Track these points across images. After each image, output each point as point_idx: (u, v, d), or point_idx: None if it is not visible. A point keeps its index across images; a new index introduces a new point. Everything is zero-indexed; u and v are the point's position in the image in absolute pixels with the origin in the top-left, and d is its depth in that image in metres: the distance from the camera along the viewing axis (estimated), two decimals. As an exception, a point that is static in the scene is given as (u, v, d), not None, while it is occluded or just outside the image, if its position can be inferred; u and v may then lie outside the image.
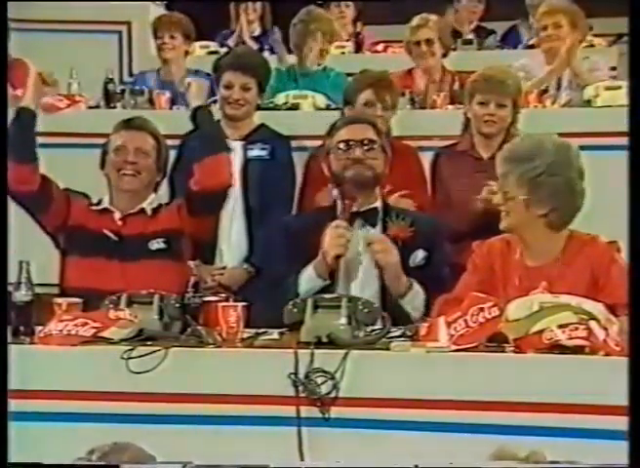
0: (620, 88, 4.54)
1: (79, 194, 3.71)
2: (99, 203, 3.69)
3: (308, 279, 3.25)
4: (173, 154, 4.31)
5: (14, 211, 3.50)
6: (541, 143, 3.06)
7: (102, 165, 3.70)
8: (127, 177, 3.61)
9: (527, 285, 3.00)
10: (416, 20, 5.20)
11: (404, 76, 5.22)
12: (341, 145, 3.42)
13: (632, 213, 2.55)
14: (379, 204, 3.44)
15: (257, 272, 4.09)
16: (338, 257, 3.21)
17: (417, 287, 3.26)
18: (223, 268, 4.17)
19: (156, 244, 3.58)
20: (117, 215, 3.62)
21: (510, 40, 6.41)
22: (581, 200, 3.07)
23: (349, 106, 4.24)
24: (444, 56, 5.23)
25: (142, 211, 3.63)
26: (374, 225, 3.39)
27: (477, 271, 3.15)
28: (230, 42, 6.31)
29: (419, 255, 3.34)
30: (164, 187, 4.21)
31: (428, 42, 5.16)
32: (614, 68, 5.06)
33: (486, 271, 3.12)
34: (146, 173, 3.63)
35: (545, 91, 4.77)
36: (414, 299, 3.23)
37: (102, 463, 1.94)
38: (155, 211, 3.66)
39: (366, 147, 3.41)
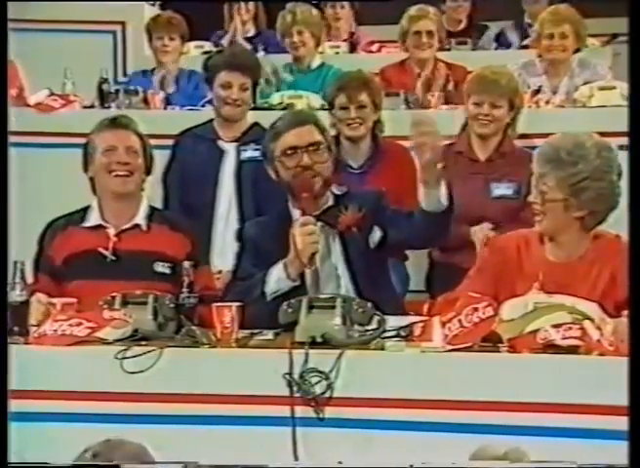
0: (614, 88, 4.56)
1: (68, 218, 3.54)
2: (86, 209, 3.53)
3: (277, 280, 3.19)
4: (166, 154, 4.33)
5: (14, 210, 3.47)
6: (583, 145, 2.98)
7: (85, 167, 3.54)
8: (120, 179, 3.46)
9: (549, 280, 2.96)
10: (415, 10, 5.23)
11: (396, 68, 5.26)
12: (288, 152, 3.31)
13: (632, 211, 2.54)
14: (331, 202, 3.36)
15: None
16: (313, 255, 3.16)
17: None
18: (219, 273, 4.16)
19: (161, 267, 3.44)
20: (112, 231, 3.47)
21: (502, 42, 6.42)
22: (619, 199, 3.01)
23: (330, 110, 4.26)
24: (437, 49, 5.29)
25: (137, 226, 3.49)
26: (333, 225, 3.30)
27: (485, 269, 3.12)
28: (224, 42, 6.32)
29: (376, 234, 3.29)
30: (158, 191, 4.22)
31: (429, 34, 5.20)
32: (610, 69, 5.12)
33: (497, 267, 3.09)
34: (138, 173, 3.50)
35: (538, 91, 4.79)
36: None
37: (103, 463, 1.93)
38: (149, 224, 3.51)
39: (312, 150, 3.30)
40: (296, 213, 3.33)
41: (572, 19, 4.97)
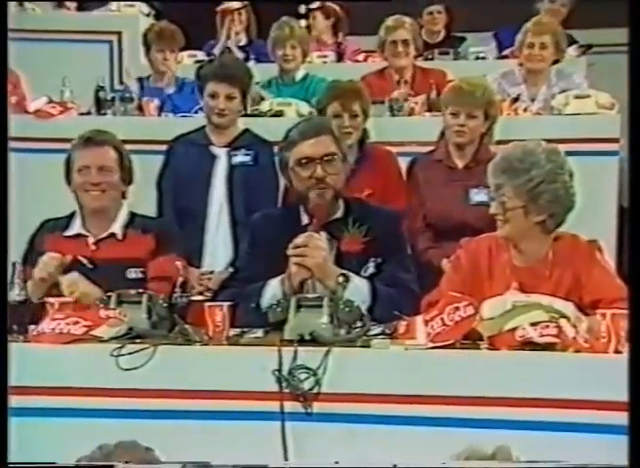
0: (588, 97, 4.67)
1: (55, 222, 3.62)
2: (70, 217, 3.61)
3: (273, 295, 3.17)
4: (160, 160, 4.41)
5: (14, 210, 3.51)
6: (533, 152, 3.08)
7: (68, 181, 3.61)
8: (93, 196, 3.53)
9: (513, 284, 3.05)
10: (391, 21, 5.36)
11: (376, 76, 5.38)
12: (302, 161, 3.28)
13: (632, 212, 2.58)
14: (340, 214, 3.35)
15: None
16: (305, 279, 3.16)
17: (356, 280, 3.18)
18: (211, 273, 4.22)
19: (133, 273, 3.49)
20: (91, 240, 3.55)
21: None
22: (574, 200, 3.11)
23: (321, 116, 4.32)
24: (415, 56, 5.39)
25: (113, 235, 3.55)
26: (337, 238, 3.29)
27: (461, 269, 3.20)
28: (216, 51, 6.37)
29: (369, 268, 3.28)
30: (151, 198, 4.28)
31: (404, 43, 5.33)
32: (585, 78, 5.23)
33: (470, 268, 3.17)
34: (112, 189, 3.55)
35: (516, 99, 4.89)
36: (354, 293, 3.12)
37: (103, 463, 1.97)
38: (126, 232, 3.56)
39: (326, 160, 3.28)
40: (304, 218, 3.34)
41: (553, 31, 5.07)
